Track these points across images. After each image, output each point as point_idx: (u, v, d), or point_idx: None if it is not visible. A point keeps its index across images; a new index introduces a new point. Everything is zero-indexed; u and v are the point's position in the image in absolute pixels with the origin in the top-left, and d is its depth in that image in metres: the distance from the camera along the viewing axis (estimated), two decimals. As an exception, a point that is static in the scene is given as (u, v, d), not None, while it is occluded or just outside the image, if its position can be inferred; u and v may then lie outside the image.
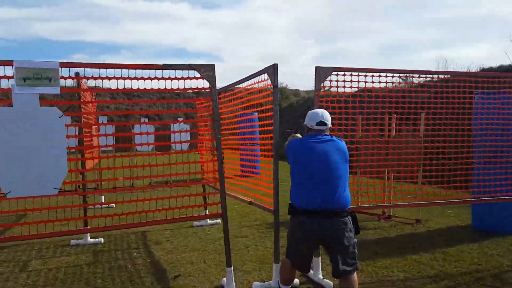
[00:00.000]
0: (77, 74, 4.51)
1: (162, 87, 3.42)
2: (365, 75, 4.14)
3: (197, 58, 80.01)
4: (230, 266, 3.57)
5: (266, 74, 3.74)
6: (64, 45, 64.53)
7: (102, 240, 5.17)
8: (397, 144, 5.66)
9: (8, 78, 2.97)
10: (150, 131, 6.43)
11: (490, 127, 4.65)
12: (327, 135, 3.05)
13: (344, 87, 4.11)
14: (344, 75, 4.05)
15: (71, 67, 3.15)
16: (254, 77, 3.99)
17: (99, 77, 3.32)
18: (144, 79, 3.38)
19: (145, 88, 3.37)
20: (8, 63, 2.94)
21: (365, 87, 4.22)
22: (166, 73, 3.44)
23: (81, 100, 5.29)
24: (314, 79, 3.85)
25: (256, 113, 4.32)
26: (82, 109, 5.19)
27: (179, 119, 10.22)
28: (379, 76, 4.19)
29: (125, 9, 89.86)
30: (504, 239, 5.04)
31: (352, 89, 4.13)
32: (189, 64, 3.46)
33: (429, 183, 5.04)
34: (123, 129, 7.86)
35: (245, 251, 4.71)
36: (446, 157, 4.83)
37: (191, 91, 3.66)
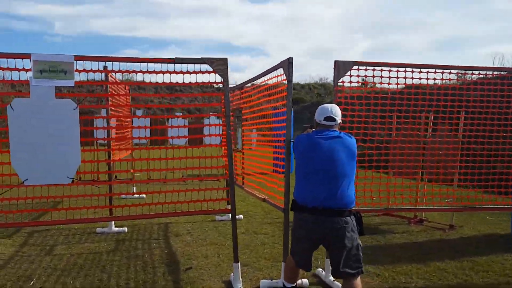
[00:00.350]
0: (105, 67, 4.68)
1: (174, 81, 3.46)
2: (389, 70, 3.92)
3: (242, 53, 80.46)
4: (237, 262, 3.54)
5: (281, 68, 3.65)
6: (116, 41, 67.59)
7: (126, 229, 5.34)
8: (433, 145, 5.34)
9: (26, 70, 3.12)
10: (182, 124, 6.54)
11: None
12: (335, 131, 2.92)
13: (366, 82, 3.93)
14: (366, 69, 3.86)
15: (85, 61, 3.24)
16: (270, 72, 3.90)
17: (112, 70, 3.40)
18: (157, 72, 3.42)
19: (157, 81, 3.42)
20: (26, 56, 3.09)
21: (388, 82, 3.99)
22: (178, 67, 3.45)
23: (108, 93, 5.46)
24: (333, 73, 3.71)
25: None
26: (110, 102, 5.36)
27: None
28: (405, 71, 3.95)
29: (175, 5, 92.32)
30: (545, 251, 4.61)
31: (376, 84, 3.94)
32: (201, 58, 3.44)
33: (466, 187, 4.71)
34: (155, 122, 8.07)
35: (261, 248, 4.66)
36: (486, 159, 4.48)
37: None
